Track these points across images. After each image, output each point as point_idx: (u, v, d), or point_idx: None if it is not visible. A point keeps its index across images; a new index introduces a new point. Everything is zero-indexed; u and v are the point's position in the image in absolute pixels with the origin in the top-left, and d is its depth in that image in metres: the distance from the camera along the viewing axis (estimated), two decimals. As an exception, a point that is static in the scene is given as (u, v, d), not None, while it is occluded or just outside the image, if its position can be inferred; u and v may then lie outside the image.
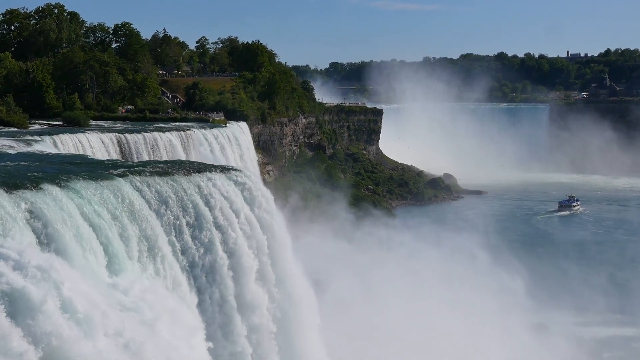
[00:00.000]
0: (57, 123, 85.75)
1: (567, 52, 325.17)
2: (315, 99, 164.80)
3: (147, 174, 38.74)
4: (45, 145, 58.81)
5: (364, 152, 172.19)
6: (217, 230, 39.34)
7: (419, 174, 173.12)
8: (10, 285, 25.56)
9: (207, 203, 39.50)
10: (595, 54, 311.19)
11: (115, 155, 67.06)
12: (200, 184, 40.14)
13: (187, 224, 38.12)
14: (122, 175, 37.51)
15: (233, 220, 40.33)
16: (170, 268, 35.79)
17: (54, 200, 31.54)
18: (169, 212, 37.35)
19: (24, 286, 25.73)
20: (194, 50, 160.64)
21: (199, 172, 41.56)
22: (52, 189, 32.50)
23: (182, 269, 36.95)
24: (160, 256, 35.34)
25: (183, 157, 69.82)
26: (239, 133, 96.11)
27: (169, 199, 37.79)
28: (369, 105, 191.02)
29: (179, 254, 37.28)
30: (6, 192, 30.61)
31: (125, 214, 34.56)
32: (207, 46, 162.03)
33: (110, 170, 38.95)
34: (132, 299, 30.98)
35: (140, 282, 32.82)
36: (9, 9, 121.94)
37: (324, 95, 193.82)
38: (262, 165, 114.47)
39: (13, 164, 43.20)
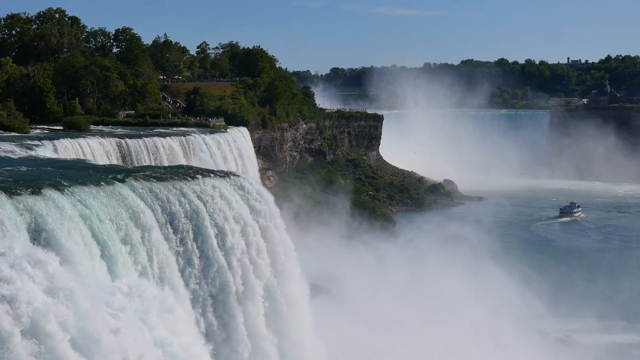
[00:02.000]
0: (57, 128, 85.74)
1: (568, 58, 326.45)
2: (315, 104, 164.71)
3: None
4: (46, 150, 58.74)
5: (365, 157, 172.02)
6: (239, 305, 37.65)
7: (420, 180, 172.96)
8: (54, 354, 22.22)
9: (230, 265, 37.80)
10: (596, 61, 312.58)
11: (115, 160, 67.00)
12: (224, 228, 38.41)
13: (211, 294, 36.73)
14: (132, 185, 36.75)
15: (255, 293, 38.66)
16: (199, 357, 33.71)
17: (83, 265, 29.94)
18: (193, 277, 36.08)
19: None
20: (195, 55, 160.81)
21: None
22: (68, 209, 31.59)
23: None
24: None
25: (183, 163, 69.74)
26: (240, 138, 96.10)
27: (194, 255, 36.42)
28: (369, 111, 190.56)
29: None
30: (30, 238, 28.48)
31: (154, 279, 33.85)
32: (208, 51, 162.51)
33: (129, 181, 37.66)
34: None
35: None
36: (10, 14, 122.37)
37: (325, 100, 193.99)
38: (263, 171, 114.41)
39: (24, 169, 42.83)
